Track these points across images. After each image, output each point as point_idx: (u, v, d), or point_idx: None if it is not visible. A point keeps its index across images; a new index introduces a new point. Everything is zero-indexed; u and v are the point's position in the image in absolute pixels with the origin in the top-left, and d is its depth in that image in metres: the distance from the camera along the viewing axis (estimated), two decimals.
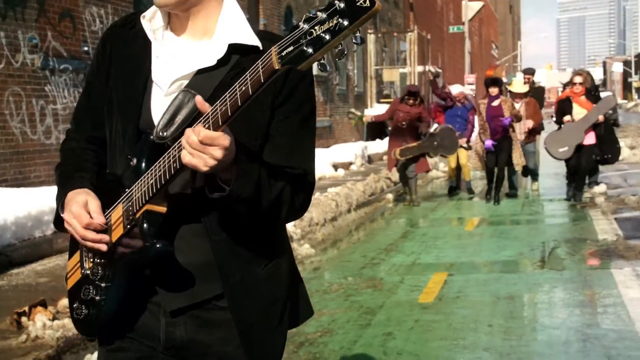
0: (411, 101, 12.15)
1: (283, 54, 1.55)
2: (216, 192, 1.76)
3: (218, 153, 1.65)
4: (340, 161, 18.05)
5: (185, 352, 1.91)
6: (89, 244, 1.87)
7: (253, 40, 1.87)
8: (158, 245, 1.79)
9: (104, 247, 1.85)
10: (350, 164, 18.66)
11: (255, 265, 1.90)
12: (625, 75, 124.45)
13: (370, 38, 28.01)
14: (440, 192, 14.51)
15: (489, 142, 12.04)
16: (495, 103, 11.93)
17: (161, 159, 1.78)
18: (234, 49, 1.85)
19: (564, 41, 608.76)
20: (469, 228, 10.19)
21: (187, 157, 1.68)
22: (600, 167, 13.72)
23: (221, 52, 1.85)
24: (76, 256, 1.99)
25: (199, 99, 1.70)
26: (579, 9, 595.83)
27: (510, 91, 13.26)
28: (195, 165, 1.67)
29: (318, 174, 16.20)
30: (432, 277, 7.12)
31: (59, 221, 1.96)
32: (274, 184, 1.81)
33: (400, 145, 12.09)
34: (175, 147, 1.74)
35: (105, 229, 1.87)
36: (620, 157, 19.06)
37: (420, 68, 30.43)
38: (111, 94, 1.97)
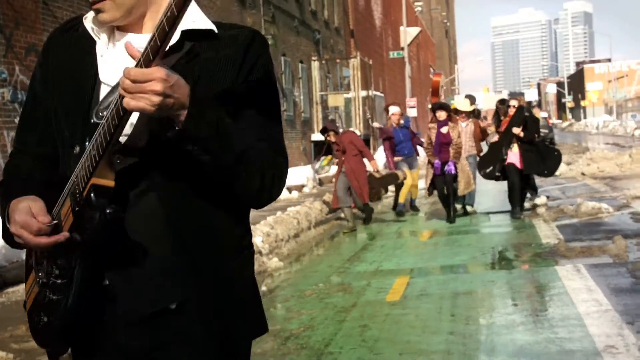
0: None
1: None
2: (171, 131, 1.63)
3: (157, 86, 1.53)
4: (294, 184, 18.74)
5: (147, 359, 1.77)
6: (45, 248, 1.74)
7: (207, 24, 1.80)
8: (108, 211, 1.64)
9: (62, 238, 1.71)
10: (303, 186, 19.37)
11: (225, 261, 1.79)
12: (559, 95, 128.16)
13: (314, 65, 28.87)
14: (390, 210, 15.27)
15: (438, 163, 12.22)
16: (444, 130, 12.18)
17: (99, 127, 1.65)
18: (187, 35, 1.74)
19: (499, 64, 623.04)
20: (424, 239, 10.95)
21: (130, 103, 1.55)
22: (540, 182, 14.63)
23: (174, 39, 1.68)
24: (31, 277, 1.86)
25: (126, 43, 1.60)
26: (512, 32, 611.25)
27: (455, 109, 13.82)
28: (141, 108, 1.55)
29: None
30: (396, 280, 7.82)
31: (9, 237, 1.80)
32: (238, 137, 1.69)
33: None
34: (111, 108, 1.61)
35: (56, 226, 1.73)
36: (558, 172, 20.24)
37: (364, 93, 31.36)
38: (58, 102, 1.84)
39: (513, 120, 12.25)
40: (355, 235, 11.75)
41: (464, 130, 13.27)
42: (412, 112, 35.81)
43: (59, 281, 1.73)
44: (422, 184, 13.87)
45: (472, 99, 15.67)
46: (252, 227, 9.58)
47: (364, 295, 7.26)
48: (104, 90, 1.77)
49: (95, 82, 1.80)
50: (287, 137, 24.15)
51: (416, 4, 68.90)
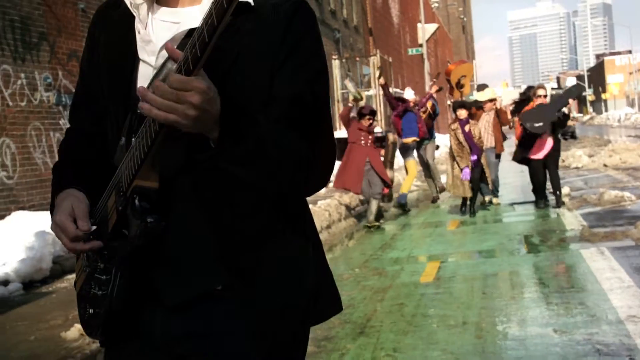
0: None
1: None
2: (205, 153, 1.57)
3: (195, 98, 1.45)
4: None
5: (181, 347, 1.69)
6: (79, 253, 1.76)
7: None
8: (149, 220, 1.60)
9: (96, 246, 1.70)
10: (329, 180, 19.85)
11: (270, 250, 1.68)
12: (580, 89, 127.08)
13: (335, 63, 29.32)
14: (416, 203, 15.67)
15: (467, 172, 12.04)
16: (467, 129, 12.14)
17: (142, 126, 1.59)
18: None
19: (517, 58, 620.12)
20: (451, 228, 11.37)
21: (161, 116, 1.47)
22: (562, 173, 14.96)
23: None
24: (81, 257, 1.85)
25: (167, 45, 1.51)
26: (530, 26, 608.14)
27: (475, 100, 13.93)
28: (173, 121, 1.47)
29: None
30: (428, 265, 8.27)
31: None
32: (277, 137, 1.59)
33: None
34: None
35: (97, 232, 1.71)
36: (581, 164, 20.57)
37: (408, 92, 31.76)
38: (102, 82, 1.80)
39: (567, 89, 12.39)
40: (384, 227, 12.17)
41: (485, 119, 13.42)
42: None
43: (103, 277, 1.71)
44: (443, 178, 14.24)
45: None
46: None
47: (399, 278, 7.72)
48: (143, 70, 1.72)
49: (135, 61, 1.74)
50: None
51: (433, 0, 69.13)
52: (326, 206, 12.52)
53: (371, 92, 31.36)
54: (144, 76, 1.71)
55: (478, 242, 9.71)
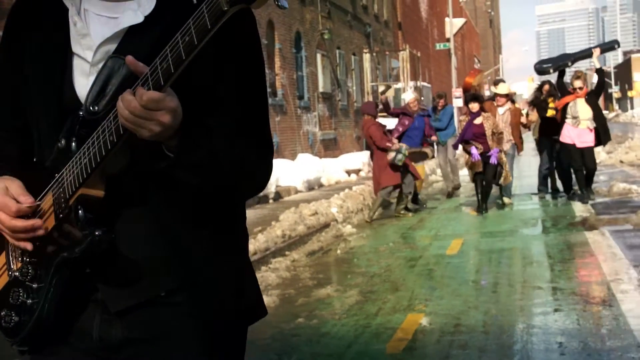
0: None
1: None
2: (162, 161, 1.53)
3: (166, 117, 1.44)
4: (351, 168, 20.57)
5: (120, 353, 1.65)
6: (22, 235, 1.60)
7: None
8: (97, 233, 1.54)
9: (40, 232, 1.60)
10: (359, 170, 21.17)
11: (216, 255, 1.66)
12: (606, 86, 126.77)
13: (366, 57, 30.62)
14: (438, 195, 16.98)
15: (475, 152, 11.90)
16: (478, 121, 11.92)
17: (94, 134, 1.53)
18: (165, 4, 1.62)
19: (544, 53, 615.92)
20: (473, 213, 12.68)
21: (130, 128, 1.46)
22: None
23: (149, 7, 1.62)
24: (1, 259, 1.74)
25: (130, 58, 1.46)
26: (558, 21, 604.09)
27: (495, 93, 13.69)
28: (136, 132, 1.46)
29: (335, 178, 18.80)
30: (453, 241, 9.63)
31: None
32: (228, 147, 1.58)
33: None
34: (110, 118, 1.50)
35: (36, 211, 1.63)
36: (599, 160, 21.66)
37: (412, 83, 33.00)
38: (27, 75, 1.70)
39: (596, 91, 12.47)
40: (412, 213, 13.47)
41: (500, 117, 13.40)
42: (458, 103, 37.19)
43: (35, 285, 1.62)
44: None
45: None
46: (327, 200, 11.56)
47: (428, 251, 9.09)
48: (78, 64, 1.65)
49: (67, 54, 1.65)
50: (341, 126, 25.93)
51: None
52: (361, 191, 13.89)
53: (400, 85, 32.57)
54: (79, 71, 1.64)
55: (497, 225, 11.03)
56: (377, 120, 12.47)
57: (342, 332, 5.63)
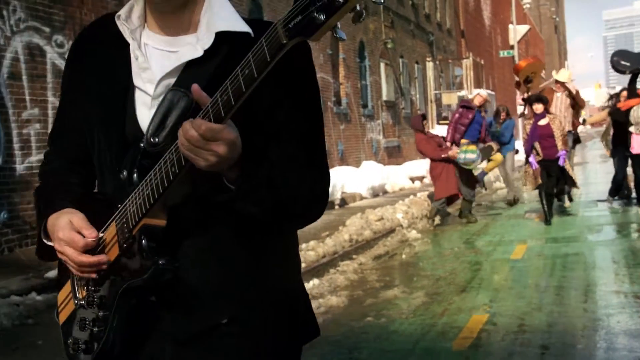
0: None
1: (290, 25, 1.35)
2: (223, 194, 1.57)
3: (221, 149, 1.46)
4: (415, 175, 20.75)
5: None
6: (87, 269, 1.67)
7: (242, 26, 1.66)
8: (161, 262, 1.60)
9: (105, 267, 1.67)
10: (423, 177, 21.34)
11: (272, 282, 1.71)
12: None
13: (429, 65, 30.75)
14: (502, 202, 17.02)
15: (533, 160, 11.58)
16: (543, 122, 11.61)
17: (156, 166, 1.57)
18: (223, 38, 1.64)
19: None
20: (537, 220, 12.76)
21: (186, 155, 1.49)
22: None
23: (208, 42, 1.64)
24: (67, 287, 1.80)
25: (195, 87, 1.49)
26: (626, 26, 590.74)
27: (556, 80, 13.71)
28: (193, 160, 1.49)
29: (399, 185, 19.02)
30: (517, 246, 9.78)
31: (42, 250, 1.78)
32: (287, 180, 1.61)
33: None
34: (171, 150, 1.54)
35: (100, 245, 1.69)
36: None
37: (476, 91, 32.96)
38: (90, 108, 1.75)
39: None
40: (477, 215, 13.60)
41: (559, 100, 13.15)
42: (521, 109, 37.00)
43: (100, 314, 1.68)
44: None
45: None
46: (392, 206, 11.81)
47: (492, 256, 9.27)
48: (139, 97, 1.70)
49: (129, 87, 1.70)
50: (405, 134, 26.11)
51: (525, 0, 69.21)
52: (425, 197, 14.09)
53: (463, 92, 32.56)
54: (141, 104, 1.69)
55: (561, 230, 11.12)
56: (427, 132, 12.51)
57: (410, 330, 5.89)
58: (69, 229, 1.66)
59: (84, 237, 1.66)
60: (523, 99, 12.97)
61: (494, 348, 5.34)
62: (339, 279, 8.00)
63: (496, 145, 13.66)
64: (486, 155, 13.42)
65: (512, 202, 15.19)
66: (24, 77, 9.26)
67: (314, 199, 1.68)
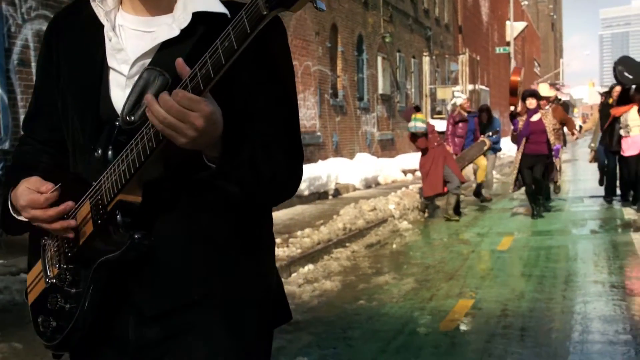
0: None
1: None
2: (203, 172, 1.56)
3: (200, 121, 1.45)
4: (407, 168, 21.15)
5: (154, 351, 1.69)
6: (60, 226, 1.67)
7: (219, 7, 1.66)
8: (136, 236, 1.59)
9: (72, 224, 1.66)
10: (415, 170, 21.73)
11: (245, 259, 1.72)
12: None
13: (425, 60, 31.10)
14: (494, 192, 17.45)
15: (557, 148, 11.76)
16: (535, 118, 11.80)
17: (132, 141, 1.56)
18: (199, 18, 1.64)
19: (607, 57, 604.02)
20: (525, 213, 13.18)
21: (160, 126, 1.47)
22: None
23: (185, 22, 1.64)
24: (37, 267, 1.80)
25: (180, 61, 1.48)
26: (622, 25, 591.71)
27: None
28: (171, 136, 1.47)
29: (391, 177, 19.43)
30: (504, 238, 10.19)
31: (9, 224, 1.78)
32: (267, 158, 1.61)
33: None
34: (148, 125, 1.52)
35: (62, 191, 1.68)
36: None
37: (470, 86, 33.35)
38: (64, 90, 1.76)
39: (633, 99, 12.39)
40: (465, 213, 14.03)
41: (547, 118, 12.92)
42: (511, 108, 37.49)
43: (73, 290, 1.68)
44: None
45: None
46: (385, 197, 12.25)
47: (480, 246, 9.68)
48: (114, 78, 1.70)
49: (103, 68, 1.70)
50: (399, 127, 26.46)
51: None
52: (417, 189, 14.46)
53: (457, 87, 32.91)
54: (115, 84, 1.69)
55: (547, 224, 11.54)
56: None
57: (400, 313, 6.28)
58: (27, 193, 1.68)
59: (41, 194, 1.67)
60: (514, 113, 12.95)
61: (478, 330, 5.73)
62: (332, 265, 8.39)
63: (488, 141, 13.88)
64: (479, 150, 13.71)
65: (486, 200, 14.90)
66: (33, 64, 9.60)
67: (291, 177, 1.70)
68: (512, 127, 12.32)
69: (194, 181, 1.60)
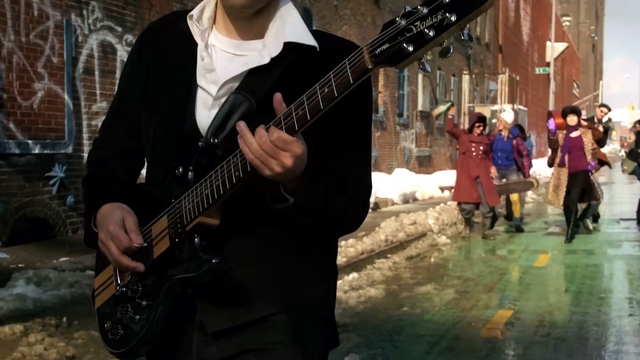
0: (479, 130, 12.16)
1: (377, 52, 1.39)
2: (279, 203, 1.61)
3: (289, 161, 1.50)
4: (445, 185, 21.45)
5: None
6: (123, 268, 1.74)
7: (309, 40, 1.69)
8: (214, 261, 1.62)
9: (140, 269, 1.71)
10: (452, 187, 21.99)
11: (313, 283, 1.76)
12: None
13: (465, 78, 31.39)
14: (530, 212, 17.69)
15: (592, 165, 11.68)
16: (575, 134, 11.79)
17: (218, 167, 1.61)
18: (289, 48, 1.67)
19: None
20: (560, 232, 13.42)
21: (254, 162, 1.53)
22: None
23: (276, 50, 1.67)
24: (107, 271, 1.83)
25: (278, 96, 1.52)
26: None
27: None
28: (258, 167, 1.53)
29: (428, 193, 19.75)
30: (541, 255, 10.51)
31: (89, 237, 1.81)
32: (338, 196, 1.65)
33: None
34: (237, 153, 1.57)
35: (147, 235, 1.73)
36: None
37: (509, 106, 33.54)
38: (151, 101, 1.80)
39: None
40: (502, 226, 14.29)
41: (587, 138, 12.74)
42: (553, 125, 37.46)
43: (144, 302, 1.72)
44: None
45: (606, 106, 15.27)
46: (424, 212, 12.66)
47: (517, 263, 10.02)
48: (201, 96, 1.73)
49: (191, 86, 1.74)
50: (437, 144, 26.79)
51: (564, 18, 69.25)
52: (455, 206, 14.79)
53: (496, 107, 33.07)
54: (202, 103, 1.73)
55: (583, 244, 11.82)
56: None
57: (442, 320, 6.65)
58: (119, 226, 1.71)
59: (130, 240, 1.71)
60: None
61: (517, 338, 6.08)
62: (375, 274, 8.77)
63: (537, 182, 13.56)
64: (524, 189, 13.41)
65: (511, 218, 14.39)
66: (96, 73, 10.16)
67: (361, 211, 1.74)
68: (549, 128, 12.09)
69: (269, 209, 1.65)
